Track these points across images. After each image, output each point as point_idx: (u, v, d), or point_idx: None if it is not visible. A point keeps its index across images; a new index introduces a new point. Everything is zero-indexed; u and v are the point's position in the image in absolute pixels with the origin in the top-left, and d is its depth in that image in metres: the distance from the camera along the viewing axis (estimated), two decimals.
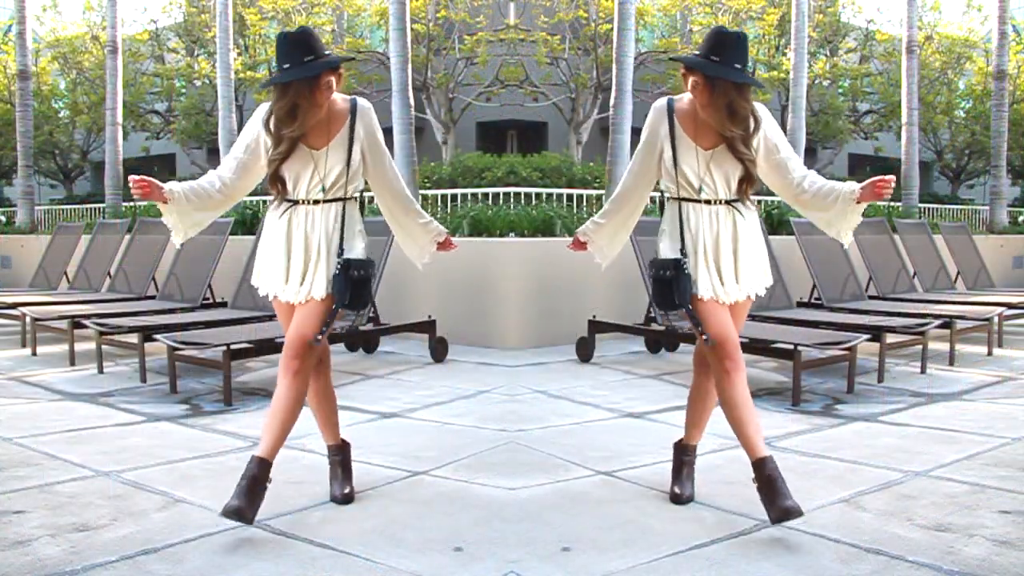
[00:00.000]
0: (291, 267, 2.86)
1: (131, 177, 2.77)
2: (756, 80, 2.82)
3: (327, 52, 2.80)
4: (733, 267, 2.86)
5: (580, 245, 3.12)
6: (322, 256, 2.83)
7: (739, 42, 2.74)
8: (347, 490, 3.02)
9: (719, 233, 2.83)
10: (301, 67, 2.71)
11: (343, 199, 2.87)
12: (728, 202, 2.84)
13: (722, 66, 2.71)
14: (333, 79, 2.78)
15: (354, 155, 2.84)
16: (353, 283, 2.80)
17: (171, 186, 2.82)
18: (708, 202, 2.83)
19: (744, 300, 2.93)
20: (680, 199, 2.86)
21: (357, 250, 2.87)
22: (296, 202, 2.85)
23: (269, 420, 2.78)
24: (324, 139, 2.82)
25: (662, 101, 2.89)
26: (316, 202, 2.84)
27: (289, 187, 2.84)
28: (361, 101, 2.89)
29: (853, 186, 2.81)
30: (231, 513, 2.61)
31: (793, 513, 2.59)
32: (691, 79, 2.76)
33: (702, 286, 2.82)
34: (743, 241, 2.86)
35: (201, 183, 2.88)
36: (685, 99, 2.86)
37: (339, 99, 2.87)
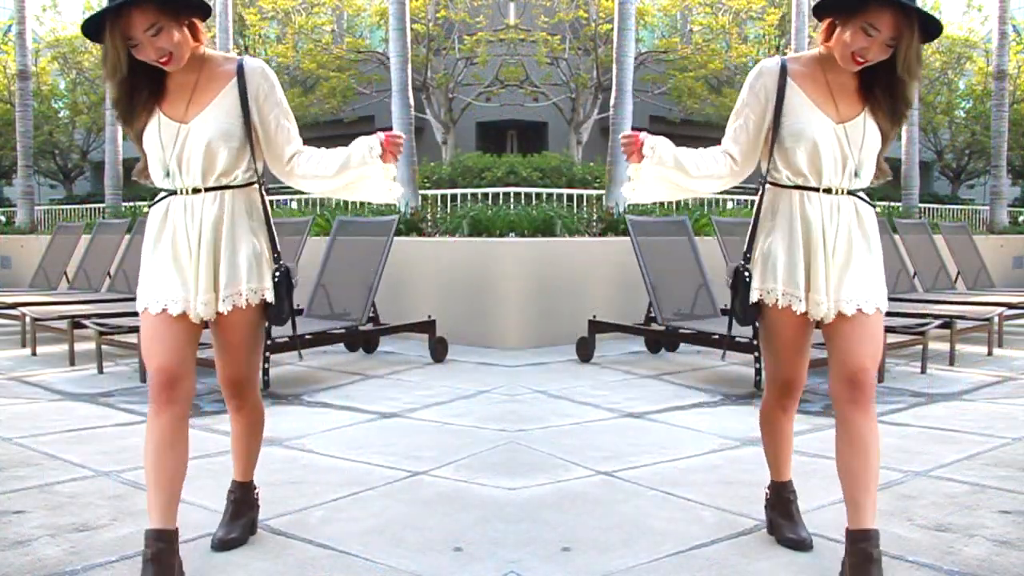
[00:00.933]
0: (164, 272, 2.24)
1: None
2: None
3: None
4: (850, 274, 2.24)
5: (638, 149, 2.30)
6: (203, 262, 2.22)
7: None
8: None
9: (839, 232, 2.24)
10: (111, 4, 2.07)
11: (234, 187, 2.26)
12: (851, 192, 2.25)
13: (915, 7, 2.08)
14: (171, 28, 2.10)
15: (242, 129, 2.23)
16: (288, 292, 2.34)
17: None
18: (828, 191, 2.23)
19: (857, 315, 2.23)
20: (790, 187, 2.26)
21: (245, 251, 2.27)
22: (173, 192, 2.25)
23: (233, 454, 2.60)
24: (195, 107, 2.21)
25: (771, 61, 2.29)
26: (196, 191, 2.23)
27: (158, 171, 2.23)
28: (249, 59, 2.29)
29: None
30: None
31: None
32: (851, 30, 2.10)
33: (821, 305, 2.23)
34: (869, 240, 2.27)
35: None
36: (803, 59, 2.29)
37: (219, 58, 2.28)
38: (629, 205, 9.82)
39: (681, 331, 5.66)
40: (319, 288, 6.07)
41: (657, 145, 2.29)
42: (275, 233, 2.39)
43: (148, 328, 2.24)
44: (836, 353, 2.25)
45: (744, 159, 2.34)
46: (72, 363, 5.80)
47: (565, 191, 10.45)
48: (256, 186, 2.32)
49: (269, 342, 5.01)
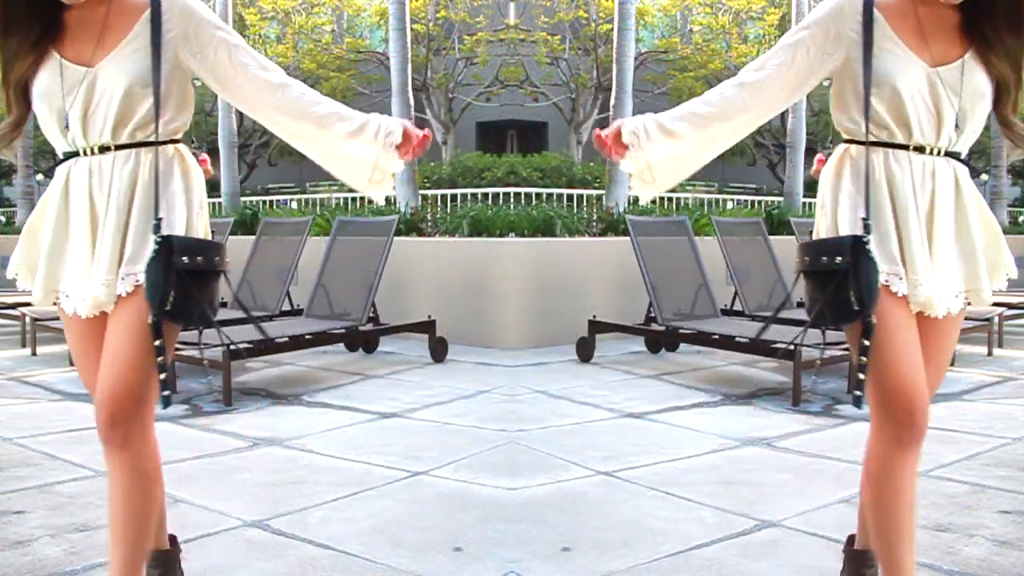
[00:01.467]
0: (69, 257, 1.82)
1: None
2: None
3: None
4: (955, 256, 1.82)
5: (618, 145, 1.86)
6: (109, 233, 1.77)
7: None
8: None
9: (936, 201, 1.80)
10: None
11: (152, 143, 1.80)
12: (949, 154, 1.83)
13: None
14: None
15: (163, 69, 1.78)
16: (179, 277, 1.74)
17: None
18: (920, 150, 1.80)
19: (957, 314, 1.84)
20: (873, 144, 1.80)
21: (180, 223, 1.81)
22: (75, 153, 1.82)
23: (111, 525, 1.80)
24: (103, 48, 1.79)
25: None
26: (104, 149, 1.80)
27: (55, 128, 1.83)
28: None
29: None
30: None
31: None
32: None
33: (921, 287, 1.77)
34: (971, 216, 1.84)
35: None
36: None
37: None
38: (630, 205, 9.82)
39: (681, 331, 5.66)
40: (319, 288, 6.07)
41: (636, 128, 1.84)
42: (196, 205, 1.87)
43: (75, 342, 1.89)
44: None
45: (785, 80, 1.84)
46: (72, 363, 5.79)
47: (565, 191, 10.45)
48: (180, 144, 1.88)
49: (236, 346, 5.00)
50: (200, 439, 3.90)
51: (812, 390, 4.96)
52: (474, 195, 10.13)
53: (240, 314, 6.05)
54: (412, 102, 10.15)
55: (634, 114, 12.19)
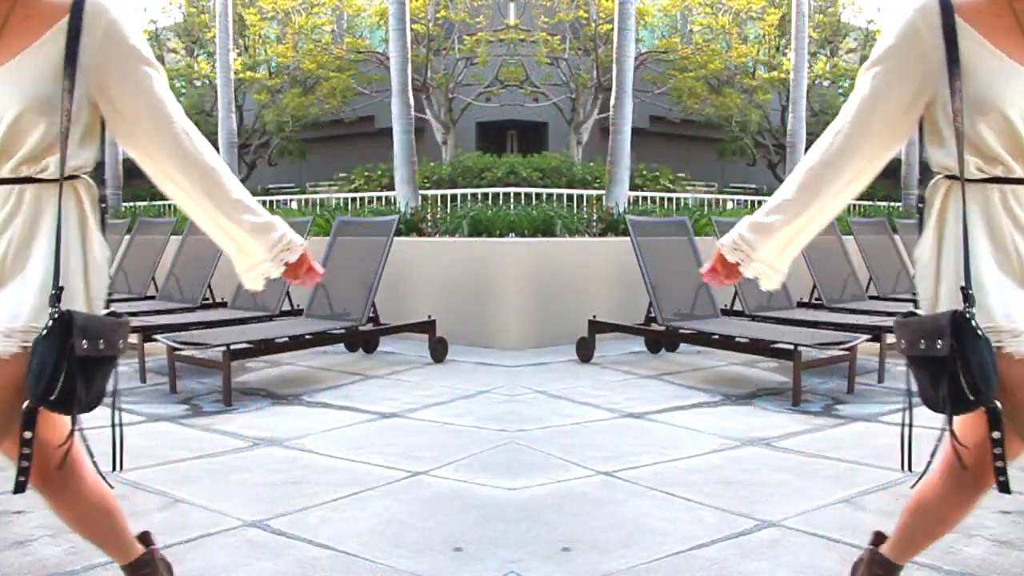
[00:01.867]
0: None
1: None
2: None
3: None
4: None
5: (727, 269, 1.75)
6: None
7: None
8: None
9: None
10: None
11: (45, 180, 1.49)
12: None
13: None
14: None
15: (74, 92, 1.47)
16: (77, 364, 1.46)
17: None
18: None
19: None
20: (982, 180, 1.50)
21: (77, 290, 1.52)
22: None
23: None
24: (2, 56, 1.46)
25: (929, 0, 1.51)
26: None
27: None
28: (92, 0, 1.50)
29: None
30: None
31: None
32: None
33: None
34: None
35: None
36: None
37: None
38: (630, 205, 9.82)
39: (681, 331, 5.66)
40: (319, 288, 6.07)
41: (737, 242, 1.70)
42: (94, 263, 1.55)
43: None
44: None
45: (878, 132, 1.56)
46: None
47: (565, 191, 10.45)
48: (83, 181, 1.55)
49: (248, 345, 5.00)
50: (200, 439, 3.90)
51: (812, 390, 4.97)
52: (474, 195, 10.13)
53: (241, 314, 6.08)
54: (412, 102, 10.14)
55: (634, 114, 12.01)
